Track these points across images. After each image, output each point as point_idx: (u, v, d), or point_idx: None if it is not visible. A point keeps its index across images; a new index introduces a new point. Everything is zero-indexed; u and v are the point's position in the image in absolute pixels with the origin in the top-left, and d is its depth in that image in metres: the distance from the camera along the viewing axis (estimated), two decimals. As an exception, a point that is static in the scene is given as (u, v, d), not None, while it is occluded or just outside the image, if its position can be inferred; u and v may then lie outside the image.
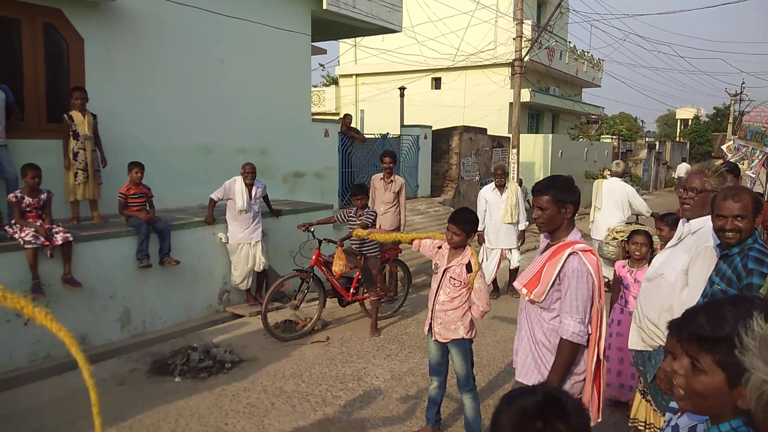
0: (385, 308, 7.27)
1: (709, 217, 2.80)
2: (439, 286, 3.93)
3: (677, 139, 44.88)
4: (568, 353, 2.78)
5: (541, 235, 3.06)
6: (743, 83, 42.05)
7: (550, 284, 2.80)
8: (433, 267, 4.05)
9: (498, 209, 7.72)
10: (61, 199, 6.30)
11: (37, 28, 6.70)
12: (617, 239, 7.17)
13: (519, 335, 3.10)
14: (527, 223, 8.10)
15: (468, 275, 3.84)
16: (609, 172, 8.57)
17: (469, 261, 3.85)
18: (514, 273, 7.80)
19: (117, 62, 7.41)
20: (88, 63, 7.12)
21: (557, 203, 2.81)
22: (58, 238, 5.46)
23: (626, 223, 7.79)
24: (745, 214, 2.63)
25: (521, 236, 7.99)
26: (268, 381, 5.20)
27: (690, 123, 50.01)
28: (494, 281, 8.08)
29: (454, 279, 3.86)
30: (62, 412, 4.57)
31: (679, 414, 1.89)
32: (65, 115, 6.29)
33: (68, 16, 6.89)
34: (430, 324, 4.01)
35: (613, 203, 7.87)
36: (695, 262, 2.95)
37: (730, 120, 41.09)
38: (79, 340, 5.62)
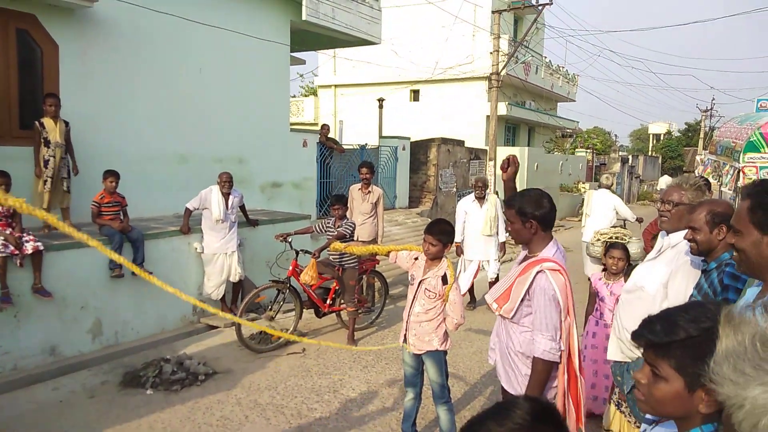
0: (362, 319, 7.25)
1: None
2: (414, 297, 3.93)
3: (650, 153, 45.77)
4: (542, 370, 2.79)
5: (520, 246, 3.08)
6: (713, 99, 43.17)
7: (519, 301, 2.82)
8: (410, 278, 4.07)
9: (477, 221, 7.73)
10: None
11: (9, 34, 6.58)
12: (600, 240, 7.98)
13: (497, 342, 3.14)
14: (507, 234, 8.14)
15: (443, 287, 3.85)
16: (599, 184, 9.67)
17: (445, 273, 3.86)
18: (491, 284, 7.80)
19: (93, 69, 7.32)
20: (62, 70, 7.01)
21: (521, 217, 2.83)
22: (29, 247, 5.35)
23: (611, 227, 8.41)
24: (697, 226, 2.68)
25: (502, 247, 7.99)
26: (243, 393, 5.14)
27: (662, 138, 51.04)
28: (471, 291, 8.08)
29: (429, 291, 3.86)
30: (31, 426, 4.46)
31: (653, 425, 1.92)
32: (36, 122, 6.17)
33: (42, 21, 6.79)
34: (405, 335, 4.01)
35: (601, 211, 8.88)
36: (675, 275, 2.99)
37: (701, 135, 42.06)
38: (49, 351, 5.57)
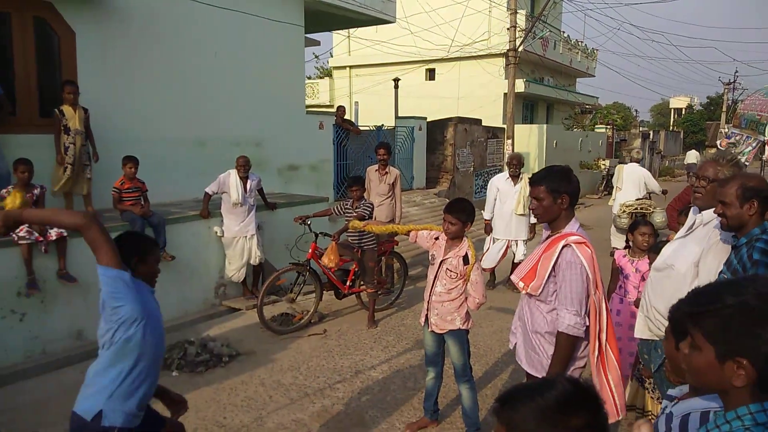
0: (382, 300, 7.27)
1: None
2: (435, 277, 3.91)
3: (671, 128, 44.98)
4: (566, 345, 2.78)
5: (543, 227, 3.06)
6: (736, 72, 42.22)
7: (546, 277, 2.80)
8: (430, 258, 4.06)
9: (510, 199, 7.54)
10: (51, 192, 6.26)
11: (27, 22, 6.62)
12: (627, 212, 8.97)
13: (519, 324, 3.12)
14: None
15: (465, 267, 3.83)
16: (630, 158, 10.51)
17: (466, 253, 3.83)
18: (515, 266, 7.66)
19: (110, 56, 7.35)
20: (80, 57, 7.05)
21: (553, 193, 2.80)
22: (53, 234, 5.43)
23: (637, 200, 9.36)
24: (728, 201, 2.62)
25: (532, 229, 7.78)
26: (266, 374, 5.20)
27: (683, 112, 50.13)
28: (492, 271, 7.99)
29: (451, 271, 3.85)
30: (59, 409, 4.56)
31: (675, 401, 1.90)
32: (56, 110, 6.23)
33: (59, 9, 6.81)
34: (427, 315, 4.00)
35: (632, 184, 9.48)
36: (707, 254, 2.93)
37: (724, 109, 41.21)
38: (75, 335, 5.69)
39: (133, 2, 7.51)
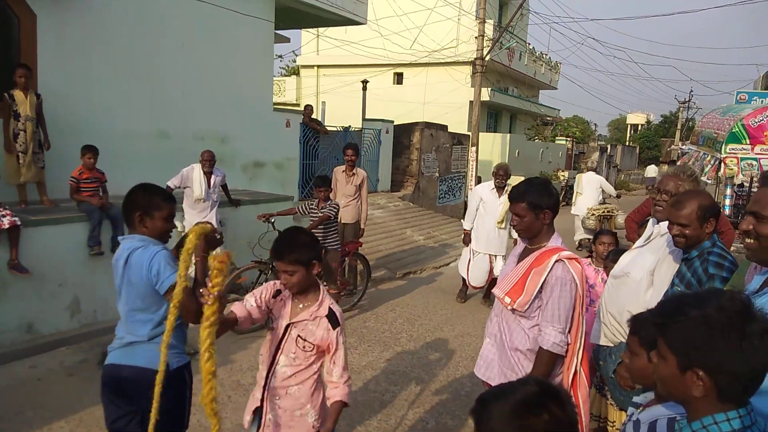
0: (344, 302, 7.24)
1: None
2: (278, 349, 2.57)
3: (627, 143, 46.32)
4: (547, 363, 2.67)
5: (517, 238, 2.98)
6: (692, 91, 43.75)
7: (535, 292, 2.67)
8: (269, 323, 2.68)
9: (494, 212, 7.16)
10: (4, 181, 6.02)
11: (-15, 1, 6.36)
12: (594, 214, 10.64)
13: (491, 341, 2.93)
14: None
15: (331, 332, 2.55)
16: (586, 168, 12.92)
17: (330, 309, 2.58)
18: (493, 281, 7.35)
19: (72, 41, 7.11)
20: (40, 40, 6.79)
21: (534, 209, 2.71)
22: (5, 222, 5.20)
23: (600, 203, 10.99)
24: (687, 222, 2.68)
25: (514, 243, 7.39)
26: (225, 374, 5.10)
27: (640, 128, 51.68)
28: (489, 286, 7.48)
29: (305, 340, 2.55)
30: (8, 402, 4.38)
31: (641, 408, 1.94)
32: (5, 94, 5.96)
33: (20, -10, 6.56)
34: (260, 408, 2.64)
35: (590, 188, 11.03)
36: (662, 264, 3.01)
37: (678, 126, 42.68)
38: (26, 328, 5.48)
39: (99, -13, 7.29)
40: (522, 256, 2.85)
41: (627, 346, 2.06)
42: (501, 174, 7.13)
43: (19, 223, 5.30)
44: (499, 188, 7.17)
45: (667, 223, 3.12)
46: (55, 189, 6.48)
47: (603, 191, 11.21)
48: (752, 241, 2.07)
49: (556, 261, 2.66)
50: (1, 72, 6.49)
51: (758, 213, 2.05)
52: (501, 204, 7.08)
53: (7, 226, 5.21)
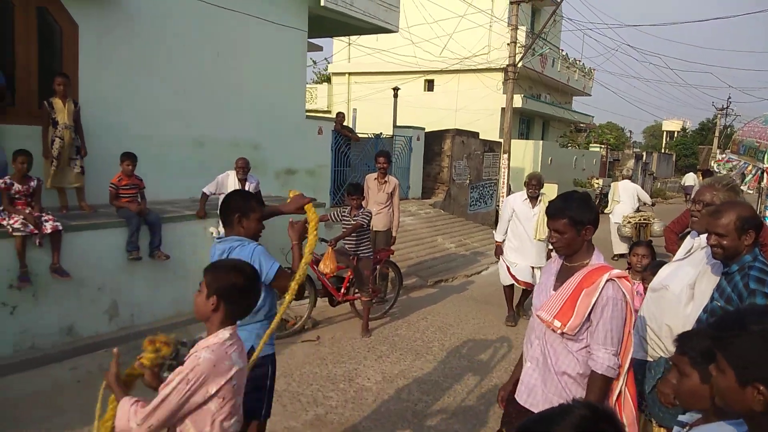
0: (376, 309, 7.23)
1: None
2: None
3: (663, 150, 45.41)
4: (602, 387, 2.52)
5: (553, 254, 2.83)
6: (729, 98, 42.66)
7: (587, 314, 2.50)
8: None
9: (528, 223, 6.85)
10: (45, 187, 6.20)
11: (30, 12, 6.56)
12: (631, 222, 11.05)
13: (533, 366, 2.73)
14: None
15: None
16: (622, 176, 12.75)
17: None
18: (524, 291, 7.26)
19: (112, 50, 7.30)
20: (82, 50, 6.99)
21: (576, 225, 2.57)
22: (48, 227, 5.35)
23: (636, 211, 11.36)
24: (725, 232, 2.60)
25: (549, 255, 6.92)
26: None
27: (676, 135, 50.62)
28: (520, 302, 7.41)
29: None
30: (47, 404, 4.48)
31: (687, 428, 1.89)
32: (45, 102, 6.13)
33: (63, 1, 6.76)
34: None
35: (627, 197, 11.41)
36: (702, 277, 2.93)
37: (716, 134, 41.67)
38: (66, 330, 5.60)
39: (139, -2, 7.47)
40: (562, 275, 2.69)
41: (674, 366, 1.98)
42: (534, 184, 6.87)
43: (60, 228, 5.44)
44: (532, 198, 6.90)
45: (706, 235, 3.04)
46: (95, 194, 6.64)
47: (639, 199, 11.48)
48: None
49: (608, 280, 2.50)
50: (44, 80, 6.70)
51: None
52: (535, 215, 6.82)
53: (49, 231, 5.34)
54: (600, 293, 2.49)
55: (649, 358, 3.21)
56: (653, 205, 12.27)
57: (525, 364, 2.78)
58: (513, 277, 7.01)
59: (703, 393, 1.76)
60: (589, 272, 2.57)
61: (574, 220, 2.56)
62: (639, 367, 3.33)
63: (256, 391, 2.95)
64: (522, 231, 6.93)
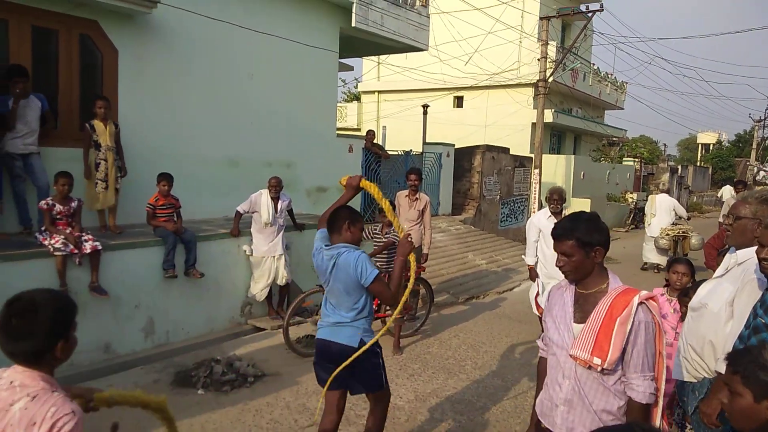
0: (407, 327, 7.20)
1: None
2: None
3: (698, 163, 44.43)
4: (644, 414, 2.40)
5: (562, 281, 2.67)
6: (767, 109, 41.60)
7: (623, 345, 2.35)
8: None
9: None
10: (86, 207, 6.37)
11: (73, 39, 6.82)
12: (669, 234, 11.33)
13: (567, 409, 2.51)
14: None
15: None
16: (659, 190, 13.17)
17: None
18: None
19: (149, 74, 7.52)
20: (121, 74, 7.23)
21: (584, 247, 2.43)
22: (87, 246, 5.50)
23: (672, 224, 11.61)
24: None
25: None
26: (291, 397, 5.16)
27: (711, 148, 49.51)
28: None
29: None
30: (87, 422, 4.55)
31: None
32: (87, 124, 6.30)
33: (104, 27, 7.01)
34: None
35: (663, 210, 11.68)
36: (741, 293, 2.86)
37: (753, 146, 40.61)
38: (103, 348, 5.72)
39: (174, 23, 7.70)
40: (580, 304, 2.51)
41: (725, 386, 1.92)
42: (555, 198, 6.56)
43: (100, 247, 5.59)
44: (556, 214, 6.56)
45: (744, 251, 2.96)
46: (131, 214, 6.83)
47: (675, 213, 11.77)
48: None
49: (639, 304, 2.36)
50: (84, 104, 6.93)
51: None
52: None
53: (89, 251, 5.50)
54: (633, 320, 2.35)
55: (693, 380, 3.13)
56: (689, 219, 12.88)
57: (557, 408, 2.54)
58: (538, 306, 6.62)
59: (754, 413, 1.71)
60: (616, 298, 2.41)
61: (582, 241, 2.42)
62: (683, 389, 3.25)
63: (376, 369, 3.55)
64: (551, 249, 6.66)
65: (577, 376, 2.46)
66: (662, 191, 12.66)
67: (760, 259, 2.64)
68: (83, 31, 6.89)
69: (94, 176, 6.32)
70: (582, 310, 2.49)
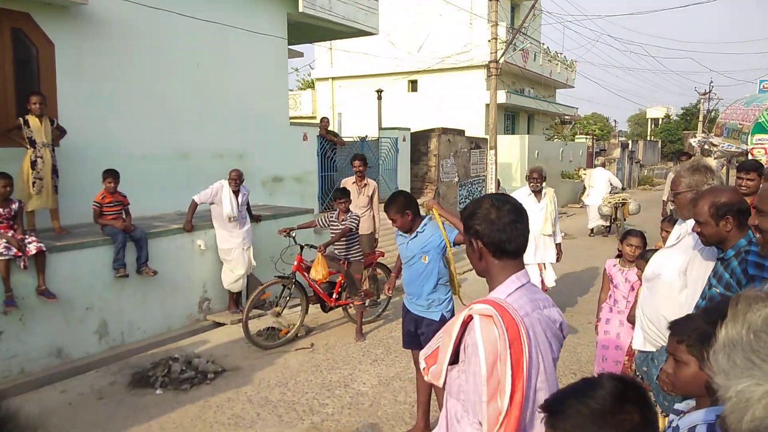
0: (369, 312, 7.19)
1: None
2: None
3: (648, 138, 45.67)
4: None
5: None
6: (711, 82, 43.05)
7: (446, 362, 1.84)
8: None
9: (535, 218, 6.44)
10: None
11: (4, 33, 6.49)
12: (611, 202, 12.81)
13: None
14: (563, 234, 7.32)
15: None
16: (594, 165, 15.06)
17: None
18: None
19: (90, 67, 7.23)
20: (59, 68, 6.93)
21: (467, 233, 1.90)
22: (32, 249, 5.28)
23: (611, 193, 13.14)
24: (702, 220, 2.58)
25: (558, 249, 6.84)
26: (253, 391, 5.10)
27: (660, 122, 50.92)
28: None
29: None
30: (39, 429, 4.41)
31: (681, 416, 1.87)
32: (20, 119, 5.94)
33: (37, 20, 6.69)
34: None
35: (601, 182, 13.36)
36: (693, 262, 2.92)
37: (700, 118, 41.94)
38: (55, 353, 5.54)
39: (113, 14, 7.41)
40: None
41: (670, 355, 1.94)
42: (535, 177, 6.63)
43: (44, 248, 5.37)
44: (536, 192, 6.66)
45: (691, 221, 3.03)
46: (77, 213, 6.57)
47: (611, 184, 13.39)
48: (759, 236, 2.00)
49: (468, 317, 1.79)
50: (21, 102, 6.61)
51: (758, 207, 1.97)
52: (542, 209, 6.59)
53: (33, 252, 5.28)
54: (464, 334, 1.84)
55: (653, 348, 3.20)
56: (623, 189, 14.48)
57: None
58: None
59: (700, 379, 1.74)
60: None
61: (465, 225, 1.90)
62: (643, 358, 3.32)
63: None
64: (532, 228, 6.70)
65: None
66: (598, 165, 14.32)
67: (697, 233, 2.71)
68: (15, 25, 6.56)
69: (30, 175, 5.97)
70: None
